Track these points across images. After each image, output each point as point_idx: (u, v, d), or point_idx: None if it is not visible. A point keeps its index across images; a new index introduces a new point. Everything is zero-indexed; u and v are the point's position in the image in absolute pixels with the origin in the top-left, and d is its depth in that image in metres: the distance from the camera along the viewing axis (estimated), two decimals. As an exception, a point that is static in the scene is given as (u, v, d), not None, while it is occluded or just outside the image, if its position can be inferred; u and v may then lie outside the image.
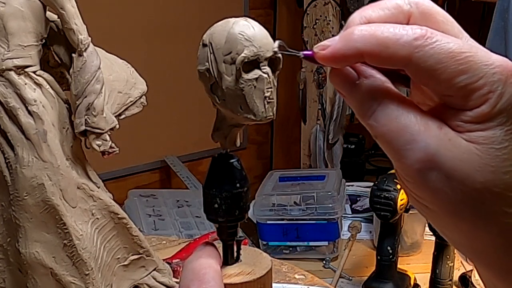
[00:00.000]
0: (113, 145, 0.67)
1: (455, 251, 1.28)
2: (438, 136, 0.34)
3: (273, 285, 0.46)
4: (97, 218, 0.69)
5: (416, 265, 1.50)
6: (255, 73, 0.40)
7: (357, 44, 0.34)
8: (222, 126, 0.44)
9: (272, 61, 0.40)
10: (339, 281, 1.50)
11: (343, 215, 1.72)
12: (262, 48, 0.39)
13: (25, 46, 0.63)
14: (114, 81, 0.72)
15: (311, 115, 2.24)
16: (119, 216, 0.71)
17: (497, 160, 0.33)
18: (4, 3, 0.62)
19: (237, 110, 0.40)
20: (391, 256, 1.29)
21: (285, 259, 1.38)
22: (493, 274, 0.36)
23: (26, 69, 0.64)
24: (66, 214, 0.64)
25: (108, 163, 0.77)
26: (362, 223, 1.73)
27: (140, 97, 0.75)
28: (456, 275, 1.34)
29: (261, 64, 0.40)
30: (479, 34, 1.91)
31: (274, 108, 0.41)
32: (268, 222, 1.62)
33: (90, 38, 0.65)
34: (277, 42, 0.40)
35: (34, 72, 0.64)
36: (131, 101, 0.74)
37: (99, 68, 0.65)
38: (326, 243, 1.60)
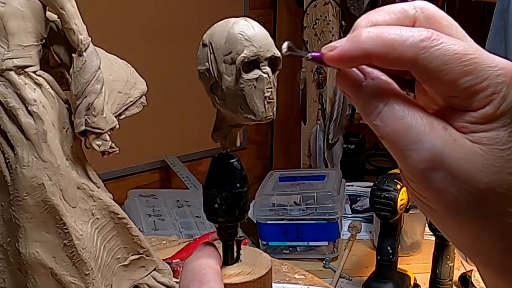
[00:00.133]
0: (113, 145, 0.67)
1: (455, 251, 1.28)
2: (444, 136, 0.34)
3: (273, 285, 0.46)
4: (97, 218, 0.69)
5: (416, 265, 1.50)
6: (255, 73, 0.40)
7: (364, 45, 0.35)
8: (222, 126, 0.44)
9: (272, 61, 0.41)
10: (339, 281, 1.50)
11: (343, 215, 1.72)
12: (262, 48, 0.39)
13: (25, 46, 0.63)
14: (114, 81, 0.72)
15: (311, 115, 2.24)
16: (119, 216, 0.71)
17: (501, 161, 0.33)
18: (4, 3, 0.62)
19: (237, 110, 0.40)
20: (391, 256, 1.29)
21: (285, 259, 1.38)
22: (495, 274, 0.36)
23: (26, 69, 0.64)
24: (66, 214, 0.64)
25: (108, 163, 0.77)
26: (362, 223, 1.73)
27: (140, 97, 0.75)
28: (456, 275, 1.34)
29: (261, 64, 0.40)
30: (479, 34, 1.91)
31: (274, 108, 0.41)
32: (268, 222, 1.62)
33: (90, 38, 0.65)
34: (286, 42, 0.40)
35: (34, 72, 0.64)
36: (131, 101, 0.74)
37: (99, 68, 0.65)
38: (326, 243, 1.60)
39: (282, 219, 1.61)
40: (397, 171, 1.23)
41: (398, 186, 1.24)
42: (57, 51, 0.69)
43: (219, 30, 0.40)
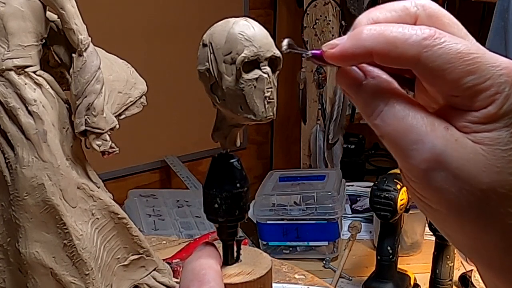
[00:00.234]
0: (113, 145, 0.67)
1: (455, 251, 1.28)
2: (445, 136, 0.34)
3: (273, 285, 0.46)
4: (97, 218, 0.69)
5: (416, 265, 1.50)
6: (255, 73, 0.40)
7: (366, 43, 0.35)
8: (222, 126, 0.44)
9: (272, 61, 0.41)
10: (339, 281, 1.50)
11: (343, 215, 1.72)
12: (262, 48, 0.39)
13: (25, 46, 0.63)
14: (114, 81, 0.72)
15: (311, 115, 2.24)
16: (119, 216, 0.71)
17: (503, 161, 0.33)
18: (4, 3, 0.62)
19: (237, 110, 0.40)
20: (391, 256, 1.29)
21: (285, 259, 1.38)
22: (495, 275, 0.36)
23: (26, 69, 0.64)
24: (66, 214, 0.64)
25: (108, 163, 0.77)
26: (362, 223, 1.73)
27: (140, 97, 0.75)
28: (456, 275, 1.34)
29: (261, 64, 0.40)
30: (479, 34, 1.91)
31: (274, 108, 0.41)
32: (268, 222, 1.62)
33: (90, 38, 0.65)
34: (286, 40, 0.40)
35: (34, 72, 0.64)
36: (131, 101, 0.74)
37: (99, 68, 0.65)
38: (326, 243, 1.60)
39: (282, 219, 1.61)
40: (397, 171, 1.23)
41: (398, 186, 1.24)
42: (57, 51, 0.69)
43: (219, 30, 0.40)
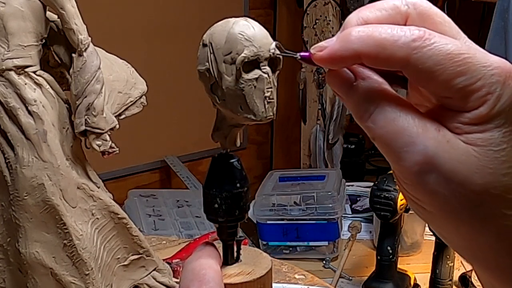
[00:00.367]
0: (113, 145, 0.67)
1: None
2: (436, 138, 0.34)
3: (273, 285, 0.46)
4: (97, 218, 0.69)
5: (416, 265, 1.50)
6: (255, 73, 0.40)
7: (354, 45, 0.34)
8: (222, 126, 0.44)
9: (272, 61, 0.40)
10: (339, 281, 1.50)
11: (343, 215, 1.72)
12: (262, 48, 0.39)
13: (25, 46, 0.63)
14: (114, 81, 0.72)
15: (311, 115, 2.24)
16: (119, 216, 0.71)
17: (496, 162, 0.33)
18: (4, 3, 0.62)
19: (237, 110, 0.40)
20: (391, 256, 1.29)
21: (285, 259, 1.38)
22: (492, 276, 0.36)
23: (26, 69, 0.64)
24: (66, 214, 0.64)
25: (108, 163, 0.77)
26: (362, 223, 1.72)
27: (140, 97, 0.75)
28: (456, 275, 1.34)
29: (261, 64, 0.40)
30: (479, 34, 1.91)
31: (274, 108, 0.41)
32: (268, 222, 1.62)
33: (90, 38, 0.65)
34: (274, 43, 0.40)
35: (34, 72, 0.64)
36: (131, 101, 0.74)
37: (99, 68, 0.65)
38: (326, 243, 1.60)
39: (282, 219, 1.61)
40: (397, 171, 1.23)
41: (398, 186, 1.23)
42: (57, 51, 0.69)
43: (219, 30, 0.40)
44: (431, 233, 1.45)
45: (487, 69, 0.33)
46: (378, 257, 1.30)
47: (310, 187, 1.71)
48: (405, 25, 0.35)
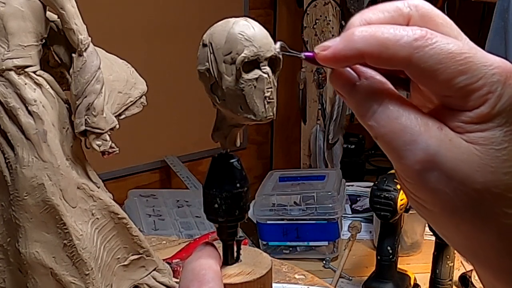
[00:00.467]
0: (113, 145, 0.67)
1: (455, 251, 1.28)
2: (439, 136, 0.34)
3: (273, 285, 0.46)
4: (97, 218, 0.69)
5: (416, 265, 1.50)
6: (255, 73, 0.40)
7: (357, 45, 0.35)
8: (222, 126, 0.44)
9: (272, 61, 0.40)
10: (339, 281, 1.50)
11: (343, 215, 1.72)
12: (262, 48, 0.39)
13: (25, 46, 0.63)
14: (114, 81, 0.72)
15: (311, 115, 2.24)
16: (119, 216, 0.71)
17: (497, 161, 0.33)
18: (4, 3, 0.62)
19: (237, 110, 0.40)
20: (391, 256, 1.29)
21: (285, 259, 1.38)
22: (493, 275, 0.36)
23: (26, 69, 0.64)
24: (66, 214, 0.64)
25: (108, 163, 0.77)
26: (362, 223, 1.73)
27: (140, 97, 0.75)
28: (456, 275, 1.34)
29: (261, 64, 0.40)
30: (479, 34, 1.91)
31: (274, 108, 0.41)
32: (268, 222, 1.62)
33: (90, 38, 0.65)
34: (278, 43, 0.40)
35: (34, 72, 0.64)
36: (131, 101, 0.74)
37: (99, 68, 0.65)
38: (326, 243, 1.60)
39: (282, 219, 1.61)
40: (397, 171, 1.23)
41: (398, 186, 1.24)
42: (57, 51, 0.69)
43: (219, 30, 0.40)
44: (431, 233, 1.45)
45: (488, 68, 0.33)
46: (378, 257, 1.30)
47: (310, 187, 1.71)
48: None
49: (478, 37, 1.79)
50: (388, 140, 0.35)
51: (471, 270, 1.37)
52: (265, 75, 0.40)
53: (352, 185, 1.98)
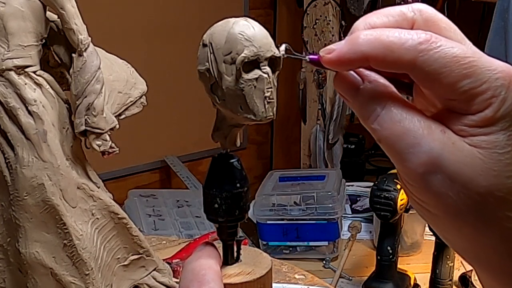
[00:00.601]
0: (113, 145, 0.67)
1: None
2: (442, 139, 0.34)
3: (273, 285, 0.46)
4: (97, 218, 0.69)
5: (416, 265, 1.50)
6: (255, 73, 0.40)
7: (362, 48, 0.35)
8: (222, 126, 0.44)
9: (272, 61, 0.41)
10: (339, 281, 1.50)
11: (343, 215, 1.72)
12: (262, 48, 0.39)
13: (25, 46, 0.63)
14: (114, 81, 0.72)
15: (311, 115, 2.24)
16: (119, 216, 0.71)
17: (500, 165, 0.33)
18: (4, 3, 0.62)
19: (237, 110, 0.40)
20: (391, 256, 1.29)
21: (285, 259, 1.38)
22: (494, 278, 0.36)
23: (26, 69, 0.64)
24: (66, 214, 0.64)
25: (108, 163, 0.77)
26: (362, 223, 1.73)
27: (140, 97, 0.75)
28: (456, 275, 1.34)
29: (261, 64, 0.40)
30: (479, 34, 1.91)
31: (274, 108, 0.41)
32: (268, 222, 1.62)
33: (90, 38, 0.65)
34: (284, 45, 0.40)
35: (34, 72, 0.64)
36: (131, 101, 0.74)
37: (99, 68, 0.65)
38: (326, 243, 1.60)
39: (282, 219, 1.61)
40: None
41: (398, 186, 1.24)
42: (57, 51, 0.69)
43: (219, 30, 0.40)
44: (431, 233, 1.45)
45: (492, 72, 0.33)
46: (378, 257, 1.30)
47: (310, 187, 1.71)
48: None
49: (478, 37, 1.79)
50: (391, 143, 0.35)
51: (471, 270, 1.37)
52: (265, 75, 0.40)
53: (352, 185, 1.98)
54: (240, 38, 0.39)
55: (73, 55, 0.65)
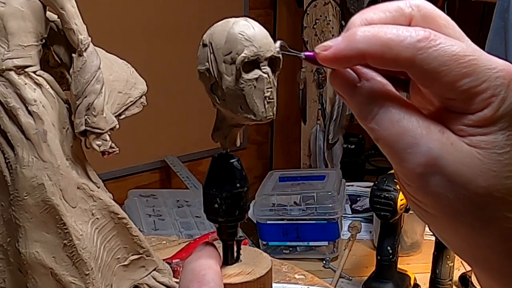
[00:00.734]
0: (113, 145, 0.67)
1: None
2: (440, 140, 0.33)
3: (273, 285, 0.46)
4: (97, 218, 0.69)
5: (416, 265, 1.50)
6: (255, 73, 0.40)
7: (359, 45, 0.34)
8: (222, 126, 0.44)
9: (272, 61, 0.40)
10: (339, 281, 1.50)
11: (343, 215, 1.72)
12: (262, 48, 0.39)
13: (25, 46, 0.63)
14: (114, 81, 0.72)
15: (311, 115, 2.24)
16: (119, 216, 0.71)
17: (499, 165, 0.33)
18: (4, 3, 0.62)
19: (237, 110, 0.40)
20: (391, 256, 1.29)
21: (285, 259, 1.38)
22: (493, 279, 0.36)
23: (26, 69, 0.64)
24: (66, 214, 0.64)
25: (108, 163, 0.77)
26: (362, 223, 1.73)
27: (140, 97, 0.75)
28: (456, 275, 1.34)
29: (261, 64, 0.40)
30: (479, 34, 1.91)
31: (274, 108, 0.41)
32: (268, 222, 1.62)
33: (90, 38, 0.65)
34: (278, 42, 0.40)
35: (34, 72, 0.64)
36: (131, 101, 0.74)
37: (99, 68, 0.65)
38: (326, 243, 1.60)
39: (282, 219, 1.61)
40: (397, 171, 1.23)
41: (398, 186, 1.23)
42: (57, 51, 0.69)
43: (219, 30, 0.40)
44: (431, 233, 1.45)
45: (492, 71, 0.33)
46: (378, 257, 1.30)
47: (310, 187, 1.71)
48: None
49: (478, 37, 1.79)
50: (389, 143, 0.34)
51: (471, 270, 1.37)
52: (265, 75, 0.40)
53: (352, 185, 1.98)
54: (240, 38, 0.39)
55: (73, 55, 0.65)
